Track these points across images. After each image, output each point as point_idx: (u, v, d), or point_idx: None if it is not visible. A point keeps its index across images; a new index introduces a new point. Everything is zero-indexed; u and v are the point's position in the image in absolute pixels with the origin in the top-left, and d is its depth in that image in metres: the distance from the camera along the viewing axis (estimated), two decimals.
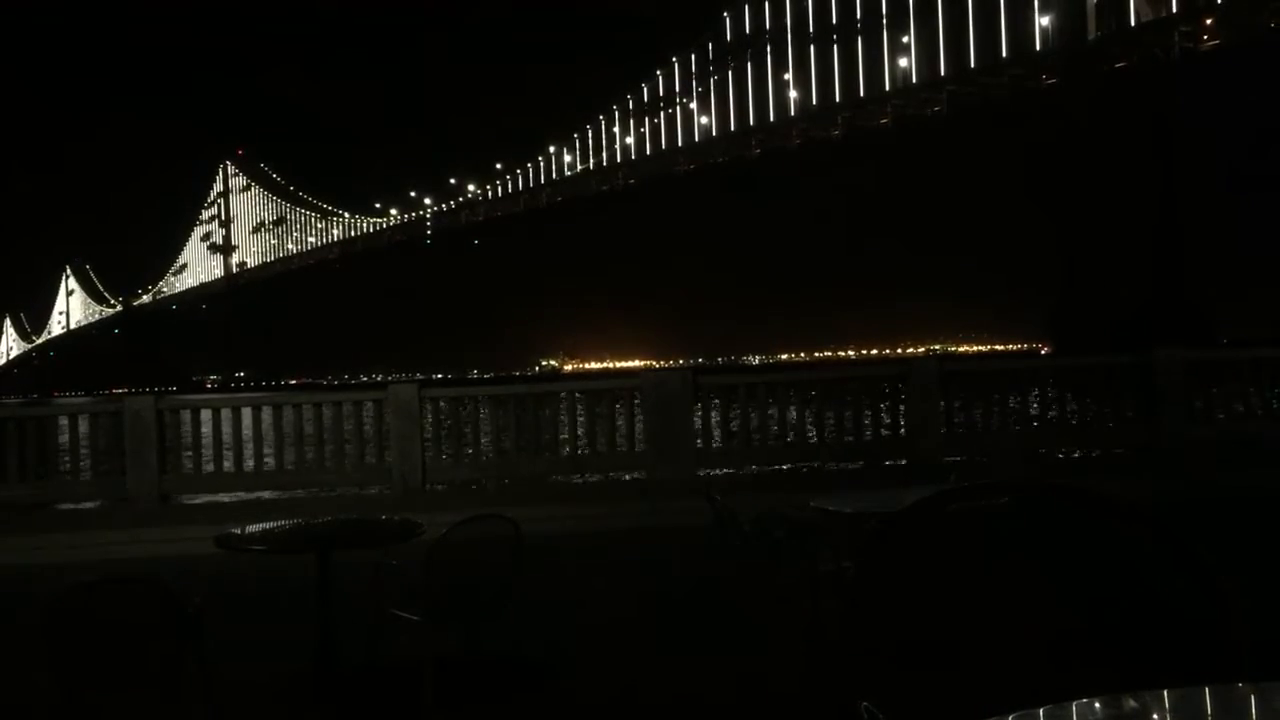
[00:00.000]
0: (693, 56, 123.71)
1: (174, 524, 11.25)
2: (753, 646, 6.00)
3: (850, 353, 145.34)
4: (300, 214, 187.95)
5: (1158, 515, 2.15)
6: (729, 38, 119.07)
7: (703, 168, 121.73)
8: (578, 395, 13.78)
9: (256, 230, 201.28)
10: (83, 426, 13.98)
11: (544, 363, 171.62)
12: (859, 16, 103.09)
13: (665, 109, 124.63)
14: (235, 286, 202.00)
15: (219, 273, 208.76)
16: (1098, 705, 1.70)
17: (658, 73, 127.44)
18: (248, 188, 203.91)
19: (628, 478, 13.80)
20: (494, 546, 5.40)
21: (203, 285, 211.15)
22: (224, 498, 13.62)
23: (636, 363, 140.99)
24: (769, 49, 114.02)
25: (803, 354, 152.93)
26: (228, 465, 13.62)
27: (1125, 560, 2.19)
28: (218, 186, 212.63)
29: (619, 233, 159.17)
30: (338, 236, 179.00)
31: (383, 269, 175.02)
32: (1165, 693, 1.73)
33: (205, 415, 13.74)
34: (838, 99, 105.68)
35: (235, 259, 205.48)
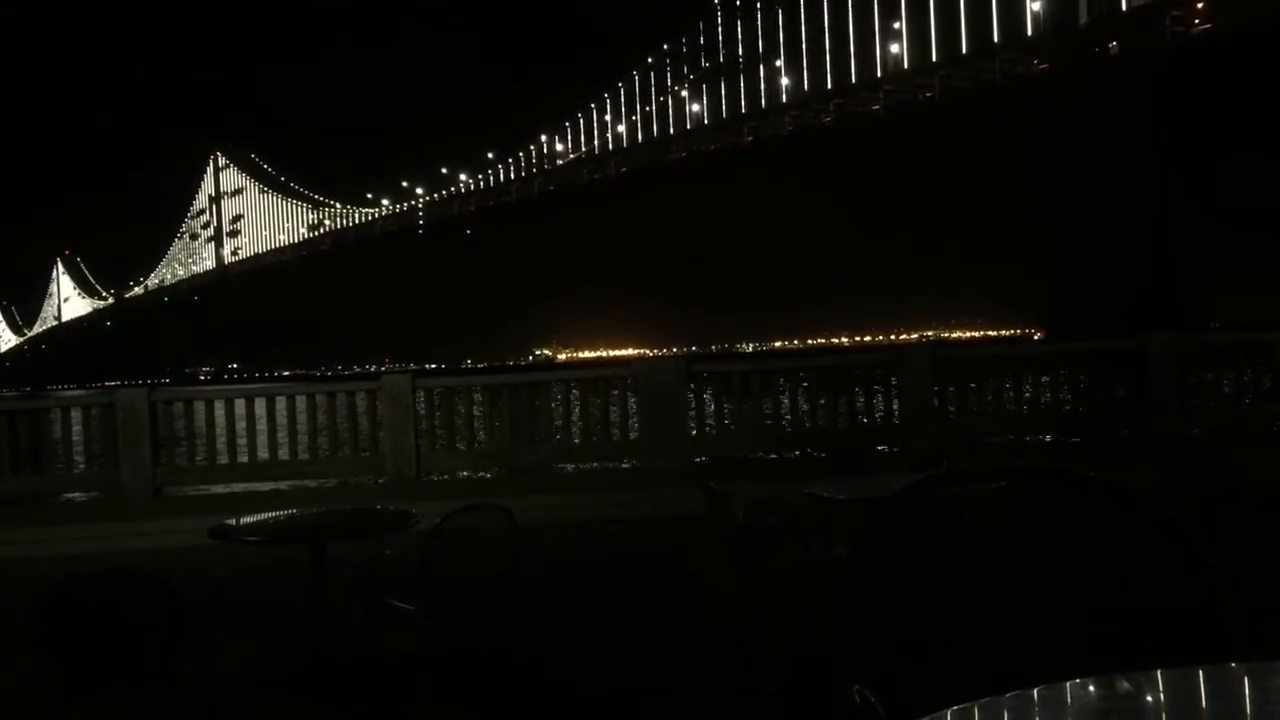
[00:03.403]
0: (683, 43, 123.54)
1: (168, 516, 11.23)
2: (747, 634, 6.01)
3: (843, 339, 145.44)
4: (292, 205, 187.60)
5: (1152, 499, 2.16)
6: (720, 25, 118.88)
7: (695, 155, 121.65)
8: (571, 384, 13.75)
9: (243, 222, 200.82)
10: (75, 419, 13.95)
11: (537, 351, 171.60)
12: (851, 2, 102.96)
13: (658, 97, 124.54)
14: (227, 278, 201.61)
15: (210, 264, 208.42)
16: (1091, 686, 1.70)
17: (649, 60, 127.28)
18: (239, 179, 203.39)
19: (622, 466, 13.81)
20: (489, 536, 5.40)
21: (194, 277, 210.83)
22: (217, 489, 13.59)
23: (630, 351, 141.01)
24: (761, 36, 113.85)
25: (796, 341, 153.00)
26: (221, 457, 13.60)
27: (1119, 544, 2.19)
28: (208, 178, 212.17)
29: (611, 221, 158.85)
30: (329, 227, 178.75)
31: (375, 259, 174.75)
32: (1158, 673, 1.73)
33: (198, 407, 13.72)
34: (829, 85, 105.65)
35: (227, 250, 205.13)
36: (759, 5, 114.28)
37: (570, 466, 14.40)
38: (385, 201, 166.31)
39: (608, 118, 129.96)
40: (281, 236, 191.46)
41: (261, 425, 13.18)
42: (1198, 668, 1.76)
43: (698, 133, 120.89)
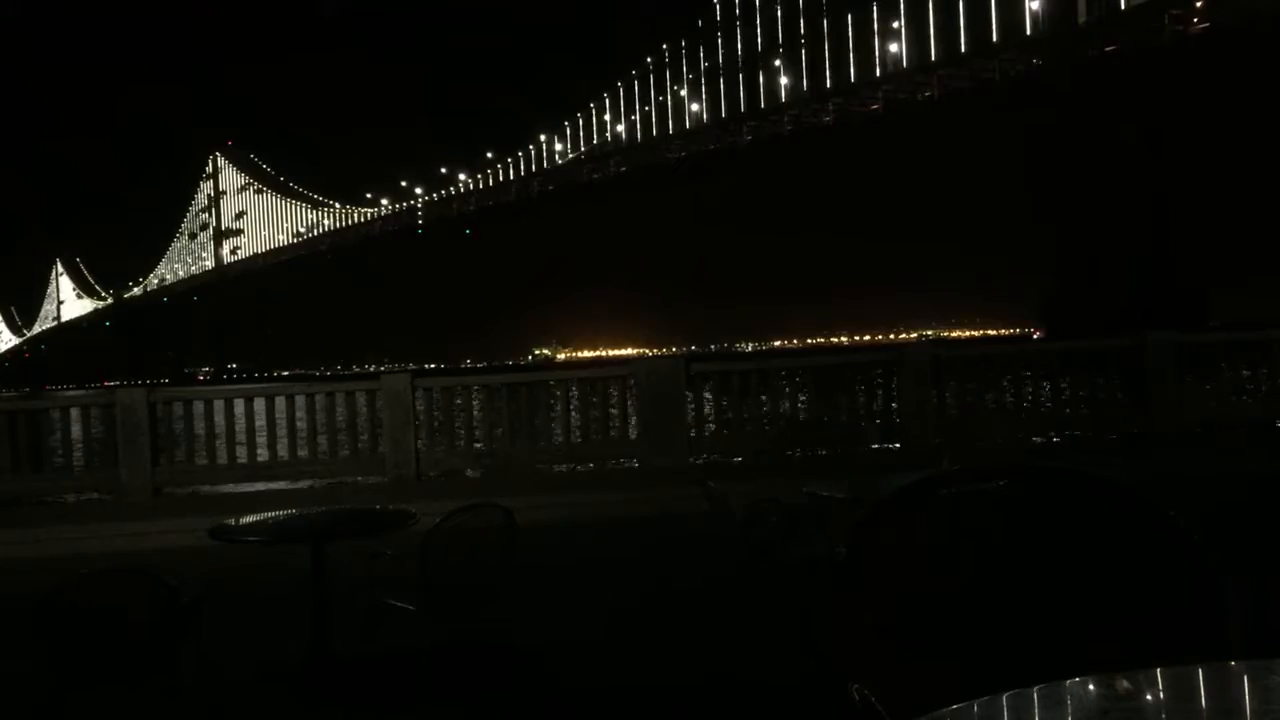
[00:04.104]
0: (683, 43, 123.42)
1: (167, 516, 11.23)
2: (747, 632, 6.01)
3: (843, 339, 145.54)
4: (291, 204, 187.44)
5: (1151, 497, 2.16)
6: (720, 25, 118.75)
7: (695, 155, 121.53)
8: (571, 384, 13.74)
9: (244, 221, 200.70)
10: (75, 419, 13.96)
11: (537, 351, 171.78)
12: (850, 2, 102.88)
13: (657, 97, 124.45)
14: (226, 278, 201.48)
15: (209, 264, 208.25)
16: (1091, 686, 1.70)
17: (649, 60, 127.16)
18: (238, 178, 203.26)
19: (621, 465, 13.80)
20: (488, 535, 5.40)
21: (193, 277, 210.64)
22: (217, 489, 13.59)
23: (629, 350, 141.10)
24: (760, 34, 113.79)
25: (795, 340, 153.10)
26: (221, 457, 13.60)
27: (1118, 543, 2.19)
28: (207, 178, 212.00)
29: (611, 220, 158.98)
30: (328, 227, 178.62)
31: (374, 259, 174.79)
32: (1158, 672, 1.73)
33: (198, 407, 13.71)
34: (829, 85, 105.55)
35: (226, 250, 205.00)
36: (759, 5, 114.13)
37: (570, 466, 14.39)
38: (385, 201, 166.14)
39: (607, 117, 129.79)
40: (281, 236, 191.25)
41: (261, 425, 13.19)
42: (1198, 667, 1.76)
43: (697, 132, 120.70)
